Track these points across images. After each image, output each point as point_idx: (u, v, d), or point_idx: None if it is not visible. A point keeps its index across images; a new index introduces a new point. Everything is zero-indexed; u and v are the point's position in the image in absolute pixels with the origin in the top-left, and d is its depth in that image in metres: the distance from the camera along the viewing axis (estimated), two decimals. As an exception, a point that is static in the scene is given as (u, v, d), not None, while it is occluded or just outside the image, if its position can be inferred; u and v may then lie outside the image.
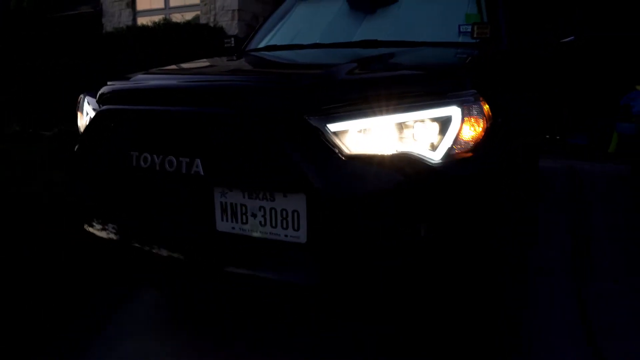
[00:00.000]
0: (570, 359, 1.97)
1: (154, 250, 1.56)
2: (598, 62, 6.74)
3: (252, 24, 7.67)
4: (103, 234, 1.67)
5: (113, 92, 1.70)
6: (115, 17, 8.94)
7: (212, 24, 7.38)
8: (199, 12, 8.10)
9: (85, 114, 1.94)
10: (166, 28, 6.47)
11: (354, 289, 1.34)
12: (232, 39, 2.76)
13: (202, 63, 2.36)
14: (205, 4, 7.77)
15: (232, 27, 7.37)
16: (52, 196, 3.42)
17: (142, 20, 8.61)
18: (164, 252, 1.55)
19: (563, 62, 5.87)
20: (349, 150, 1.32)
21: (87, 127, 1.66)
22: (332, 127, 1.32)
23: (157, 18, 7.88)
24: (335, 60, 1.90)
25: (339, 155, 1.30)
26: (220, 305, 2.00)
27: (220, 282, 1.50)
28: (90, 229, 1.71)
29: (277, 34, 2.92)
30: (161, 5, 8.59)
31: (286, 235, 1.38)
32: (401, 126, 1.34)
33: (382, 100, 1.33)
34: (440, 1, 2.71)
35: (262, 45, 2.87)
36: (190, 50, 6.30)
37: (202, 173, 1.38)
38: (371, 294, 1.35)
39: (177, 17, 8.51)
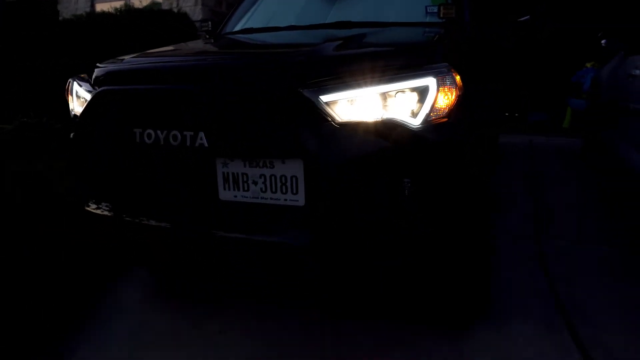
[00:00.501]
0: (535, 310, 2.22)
1: (157, 223, 1.67)
2: (555, 46, 7.20)
3: (216, 10, 7.65)
4: (106, 212, 1.75)
5: (110, 74, 1.77)
6: (72, 4, 8.70)
7: (175, 10, 7.31)
8: (160, -2, 8.00)
9: (76, 98, 2.00)
10: (130, 15, 6.37)
11: (349, 241, 1.50)
12: (209, 22, 2.84)
13: (190, 45, 2.44)
14: (166, -10, 7.69)
15: (195, 12, 7.34)
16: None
17: (100, 7, 8.42)
18: (168, 224, 1.66)
19: (523, 46, 6.23)
20: (340, 118, 1.47)
21: (86, 108, 1.73)
22: (325, 98, 1.46)
23: (116, 4, 7.73)
24: (318, 40, 2.03)
25: (332, 123, 1.45)
26: (220, 275, 2.12)
27: (223, 247, 1.62)
28: (93, 209, 1.79)
29: (252, 18, 3.01)
30: (120, -9, 8.42)
31: (285, 200, 1.52)
32: (385, 96, 1.50)
33: (367, 73, 1.48)
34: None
35: (237, 28, 2.96)
36: (158, 36, 6.26)
37: (205, 145, 1.50)
38: (362, 245, 1.51)
39: (136, 3, 8.36)
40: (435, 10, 2.46)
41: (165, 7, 7.66)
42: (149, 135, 1.57)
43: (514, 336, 2.01)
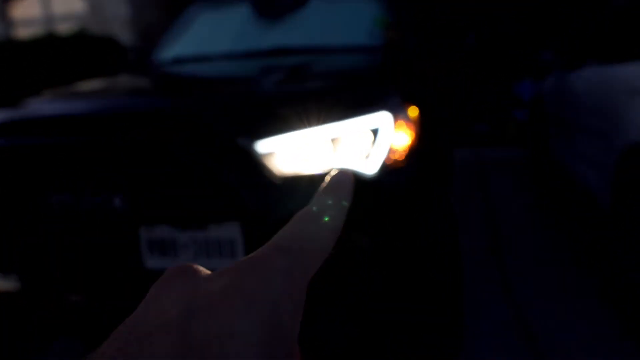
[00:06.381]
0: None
1: (71, 297, 1.37)
2: (493, 60, 7.42)
3: (148, 33, 7.27)
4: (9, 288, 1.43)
5: (6, 124, 1.43)
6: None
7: (103, 34, 6.87)
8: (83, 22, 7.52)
9: None
10: (52, 40, 5.89)
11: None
12: (135, 50, 2.54)
13: (110, 82, 2.11)
14: (93, 14, 7.23)
15: (125, 36, 6.92)
16: None
17: (19, 32, 7.82)
18: (83, 299, 1.36)
19: (465, 61, 6.36)
20: (282, 170, 1.24)
21: None
22: (264, 147, 1.23)
23: (37, 29, 7.19)
24: (254, 74, 1.79)
25: (273, 176, 1.22)
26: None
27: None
28: None
29: (183, 44, 2.74)
30: (41, 14, 7.85)
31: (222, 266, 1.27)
32: (333, 142, 1.29)
33: (311, 116, 1.27)
34: (345, 5, 2.71)
35: (169, 56, 2.68)
36: (85, 62, 5.84)
37: (126, 209, 1.22)
38: (317, 314, 1.28)
39: (60, 28, 7.84)
40: (379, 34, 2.30)
41: (94, 32, 7.18)
42: (55, 201, 1.27)
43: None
